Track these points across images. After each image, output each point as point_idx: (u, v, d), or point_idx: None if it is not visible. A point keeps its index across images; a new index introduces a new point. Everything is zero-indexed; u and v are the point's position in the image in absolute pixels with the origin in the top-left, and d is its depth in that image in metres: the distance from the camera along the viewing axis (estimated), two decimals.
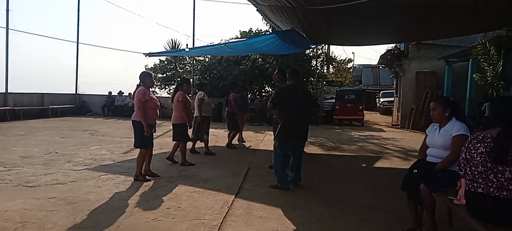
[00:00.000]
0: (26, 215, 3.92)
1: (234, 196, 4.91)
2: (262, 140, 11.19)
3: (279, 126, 5.48)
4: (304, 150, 5.93)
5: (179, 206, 4.44)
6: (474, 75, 11.70)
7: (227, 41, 13.64)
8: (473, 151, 2.71)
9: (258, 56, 19.58)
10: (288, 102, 5.36)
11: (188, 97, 7.10)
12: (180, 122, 6.81)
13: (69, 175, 5.79)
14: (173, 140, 7.02)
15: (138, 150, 5.70)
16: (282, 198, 4.90)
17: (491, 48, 10.12)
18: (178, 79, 24.81)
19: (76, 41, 20.07)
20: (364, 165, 7.84)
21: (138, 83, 5.86)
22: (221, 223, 3.90)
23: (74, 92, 20.45)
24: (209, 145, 8.42)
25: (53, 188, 5.04)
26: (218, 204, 4.56)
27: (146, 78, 5.71)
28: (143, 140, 5.56)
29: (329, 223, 4.02)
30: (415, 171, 3.57)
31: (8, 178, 5.45)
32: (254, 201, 4.75)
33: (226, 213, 4.23)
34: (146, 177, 5.69)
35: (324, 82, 22.26)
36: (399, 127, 17.54)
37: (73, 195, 4.70)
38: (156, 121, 5.85)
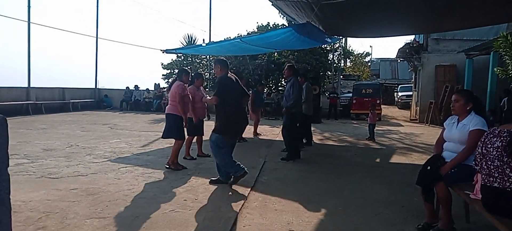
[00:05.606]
0: (50, 206, 4.07)
1: (250, 189, 4.98)
2: (278, 134, 11.21)
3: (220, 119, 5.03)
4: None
5: (196, 198, 4.54)
6: (495, 69, 11.41)
7: (243, 36, 13.69)
8: (489, 145, 2.69)
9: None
10: (231, 93, 4.99)
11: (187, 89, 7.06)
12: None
13: (90, 167, 5.97)
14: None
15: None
16: (297, 192, 4.94)
17: None
18: (192, 73, 25.08)
19: (95, 35, 20.52)
20: (378, 160, 7.79)
21: (175, 78, 6.39)
22: (237, 215, 3.97)
23: (94, 87, 20.89)
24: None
25: (75, 179, 5.21)
26: (234, 196, 4.64)
27: (182, 75, 6.24)
28: (179, 132, 5.98)
29: (343, 216, 4.04)
30: (429, 167, 3.54)
31: (32, 170, 5.66)
32: (270, 194, 4.81)
33: (242, 205, 4.30)
34: (179, 164, 6.07)
35: (341, 76, 22.06)
36: (418, 121, 17.27)
37: (94, 187, 4.85)
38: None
